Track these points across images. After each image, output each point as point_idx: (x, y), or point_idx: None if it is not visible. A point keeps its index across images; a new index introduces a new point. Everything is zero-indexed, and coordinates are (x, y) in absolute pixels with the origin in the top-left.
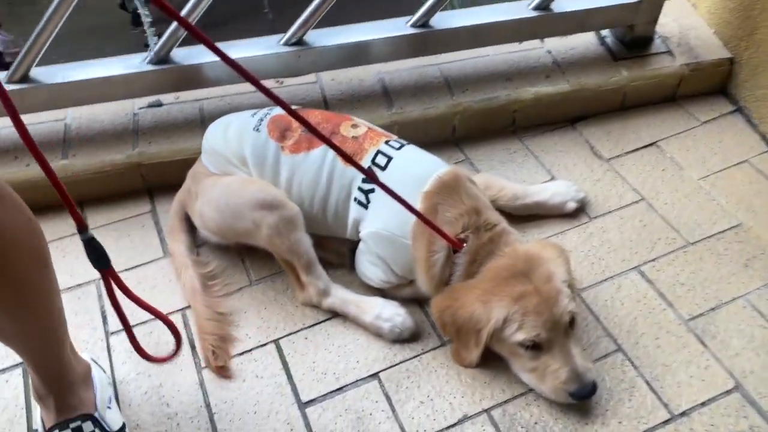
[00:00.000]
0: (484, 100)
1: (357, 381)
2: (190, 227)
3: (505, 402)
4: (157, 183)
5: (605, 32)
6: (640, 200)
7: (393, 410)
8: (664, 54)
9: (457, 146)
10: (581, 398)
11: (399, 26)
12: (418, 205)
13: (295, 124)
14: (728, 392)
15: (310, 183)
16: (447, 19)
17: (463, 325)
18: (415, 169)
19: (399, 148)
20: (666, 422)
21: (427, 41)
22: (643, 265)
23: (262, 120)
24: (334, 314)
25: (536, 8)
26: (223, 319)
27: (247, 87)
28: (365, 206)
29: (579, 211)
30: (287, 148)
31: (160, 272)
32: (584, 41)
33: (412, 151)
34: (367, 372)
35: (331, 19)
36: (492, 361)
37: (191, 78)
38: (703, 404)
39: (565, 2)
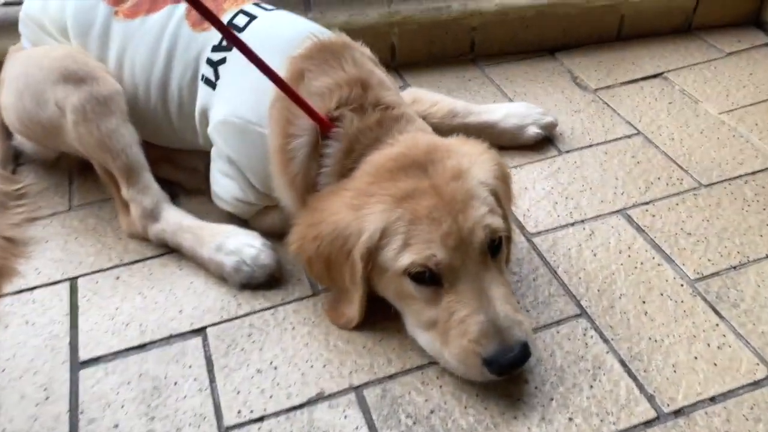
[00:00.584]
0: (432, 9)
1: (171, 337)
2: (8, 136)
3: (389, 377)
4: None
5: None
6: (634, 134)
7: (211, 380)
8: None
9: (398, 71)
10: (503, 370)
11: None
12: (280, 73)
13: None
14: (756, 384)
15: (146, 57)
16: None
17: (330, 251)
18: (285, 31)
19: (270, 11)
20: (649, 423)
21: None
22: (631, 208)
23: None
24: (171, 250)
25: None
26: (8, 247)
27: None
28: (213, 85)
29: (545, 143)
30: (122, 12)
31: None
32: None
33: (287, 14)
34: (191, 326)
35: None
36: (384, 320)
37: None
38: (712, 400)
39: None
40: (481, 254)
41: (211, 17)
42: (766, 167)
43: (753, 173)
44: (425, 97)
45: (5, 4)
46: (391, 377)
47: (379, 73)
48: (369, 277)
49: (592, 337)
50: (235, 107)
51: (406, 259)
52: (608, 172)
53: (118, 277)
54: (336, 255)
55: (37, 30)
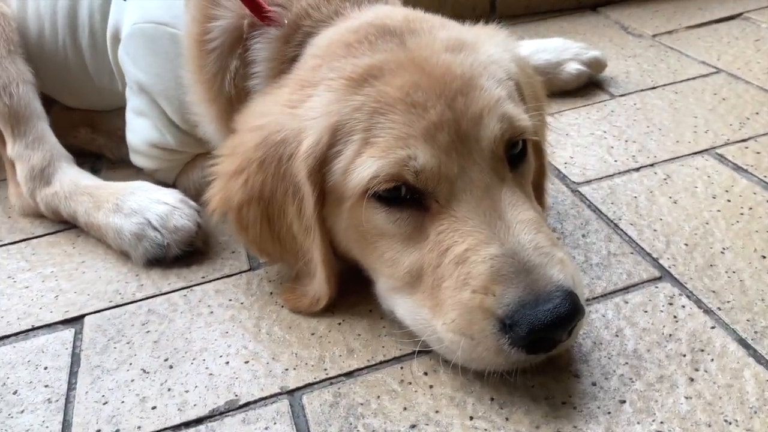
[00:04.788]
0: None
1: (32, 330)
2: None
3: (347, 375)
4: None
5: None
6: (713, 72)
7: (70, 387)
8: None
9: None
10: (535, 336)
11: None
12: None
13: None
14: None
15: None
16: None
17: (263, 180)
18: None
19: None
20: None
21: None
22: (722, 146)
23: None
24: (68, 227)
25: None
26: None
27: None
28: None
29: (592, 87)
30: None
31: None
32: None
33: None
34: (64, 315)
35: None
36: (351, 296)
37: None
38: None
39: None
40: (493, 159)
41: None
42: None
43: None
44: None
45: None
46: (349, 374)
47: None
48: (322, 219)
49: (684, 306)
50: (145, 11)
51: (368, 169)
52: (682, 112)
53: None
54: (271, 184)
55: None
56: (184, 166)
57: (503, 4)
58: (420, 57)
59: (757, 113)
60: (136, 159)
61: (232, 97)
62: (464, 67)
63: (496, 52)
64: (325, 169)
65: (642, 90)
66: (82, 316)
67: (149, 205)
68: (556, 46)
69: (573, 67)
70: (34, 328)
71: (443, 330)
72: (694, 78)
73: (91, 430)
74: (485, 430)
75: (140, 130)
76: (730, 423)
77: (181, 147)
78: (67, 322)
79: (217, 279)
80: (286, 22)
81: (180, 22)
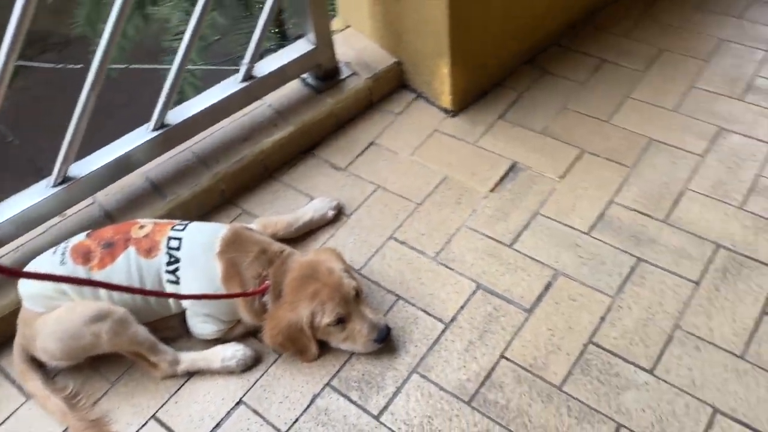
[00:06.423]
0: (235, 162)
1: (228, 412)
2: (39, 364)
3: (338, 372)
4: None
5: (305, 75)
6: (376, 189)
7: (264, 418)
8: (352, 76)
9: (233, 204)
10: (383, 340)
11: (143, 134)
12: (218, 266)
13: (94, 244)
14: (474, 292)
15: (127, 284)
16: (179, 113)
17: (290, 334)
18: (202, 240)
19: (183, 229)
20: (444, 331)
21: (171, 137)
22: (394, 233)
23: (63, 254)
24: (192, 374)
25: (243, 80)
26: (100, 423)
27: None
28: (177, 282)
29: (339, 215)
30: (95, 267)
31: (28, 414)
32: (293, 88)
33: (193, 227)
34: (233, 401)
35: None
36: (322, 349)
37: None
38: (462, 307)
39: (263, 68)
40: (355, 301)
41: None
42: (440, 180)
43: (436, 186)
44: (269, 221)
45: None
46: (338, 371)
47: (262, 238)
48: (313, 335)
49: (407, 307)
50: (198, 288)
51: (326, 320)
52: (374, 217)
53: (176, 402)
54: (294, 332)
55: (43, 299)
56: (228, 329)
57: (272, 165)
58: (325, 282)
59: (399, 210)
60: (205, 337)
61: (257, 311)
62: (336, 279)
63: (339, 265)
64: (312, 323)
65: (356, 209)
66: (241, 398)
67: (235, 353)
68: (321, 206)
69: (331, 213)
70: (229, 411)
71: (358, 347)
72: (370, 195)
73: (283, 424)
74: (377, 364)
75: (207, 328)
76: (424, 336)
77: (228, 327)
78: (237, 403)
79: (278, 360)
80: (271, 282)
81: (220, 289)
